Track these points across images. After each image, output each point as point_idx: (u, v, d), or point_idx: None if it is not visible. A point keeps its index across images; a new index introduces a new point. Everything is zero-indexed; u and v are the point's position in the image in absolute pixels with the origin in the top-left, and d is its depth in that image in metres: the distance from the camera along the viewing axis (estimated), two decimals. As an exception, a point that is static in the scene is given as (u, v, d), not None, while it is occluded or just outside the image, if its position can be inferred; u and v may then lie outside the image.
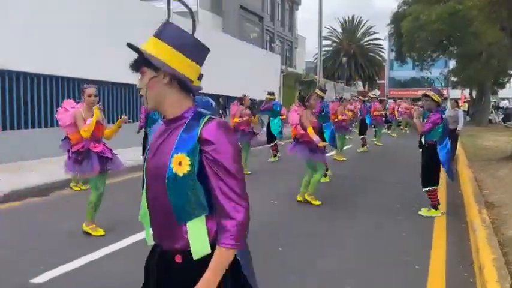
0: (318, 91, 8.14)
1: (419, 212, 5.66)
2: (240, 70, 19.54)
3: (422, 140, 5.59)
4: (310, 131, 5.90)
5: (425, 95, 5.59)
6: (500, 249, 3.97)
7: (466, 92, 30.16)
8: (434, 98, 5.44)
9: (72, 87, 10.96)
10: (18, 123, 9.71)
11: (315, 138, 5.84)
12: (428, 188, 5.55)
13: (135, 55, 1.58)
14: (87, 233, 4.64)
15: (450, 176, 5.96)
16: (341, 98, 13.53)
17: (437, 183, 5.62)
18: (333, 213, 5.86)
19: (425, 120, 5.56)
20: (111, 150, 4.86)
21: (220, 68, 17.73)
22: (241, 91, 19.48)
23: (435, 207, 5.61)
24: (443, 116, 5.50)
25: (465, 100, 37.19)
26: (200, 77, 2.68)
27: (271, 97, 11.03)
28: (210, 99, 2.40)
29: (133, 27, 12.97)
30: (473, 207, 5.40)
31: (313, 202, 6.12)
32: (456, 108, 10.80)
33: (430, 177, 5.53)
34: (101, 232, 4.65)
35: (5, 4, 9.06)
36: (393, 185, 7.90)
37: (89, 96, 4.70)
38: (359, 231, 5.05)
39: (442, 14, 19.16)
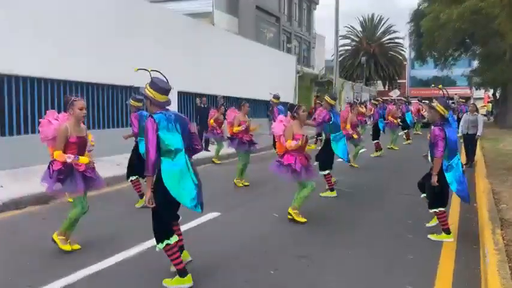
0: (327, 98, 7.67)
1: (429, 236, 5.08)
2: (254, 72, 19.28)
3: (428, 156, 5.08)
4: (288, 144, 5.51)
5: (430, 106, 5.14)
6: (513, 279, 3.59)
7: (490, 92, 29.14)
8: (439, 109, 4.93)
9: (80, 90, 10.91)
10: (25, 127, 9.69)
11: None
12: (434, 210, 5.04)
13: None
14: (55, 242, 4.46)
15: (465, 200, 5.23)
16: (355, 101, 12.89)
17: (445, 205, 5.03)
18: (337, 228, 5.52)
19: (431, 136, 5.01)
20: (93, 169, 4.66)
21: (235, 70, 17.56)
22: (256, 93, 19.46)
23: (446, 231, 5.01)
24: (445, 132, 4.80)
25: (489, 100, 36.09)
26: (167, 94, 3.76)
27: (276, 101, 10.61)
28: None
29: (142, 29, 12.96)
30: (487, 226, 4.99)
31: (297, 218, 5.61)
32: (475, 113, 10.28)
33: (437, 197, 4.97)
34: (67, 248, 4.45)
35: (13, 6, 9.03)
36: (406, 196, 7.47)
37: (81, 109, 4.41)
38: (362, 251, 4.70)
39: (464, 12, 18.44)
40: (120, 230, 5.40)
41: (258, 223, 5.73)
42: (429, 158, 5.01)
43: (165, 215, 3.66)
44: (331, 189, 7.20)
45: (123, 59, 11.74)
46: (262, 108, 20.95)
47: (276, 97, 10.58)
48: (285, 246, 4.80)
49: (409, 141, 16.13)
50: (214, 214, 6.02)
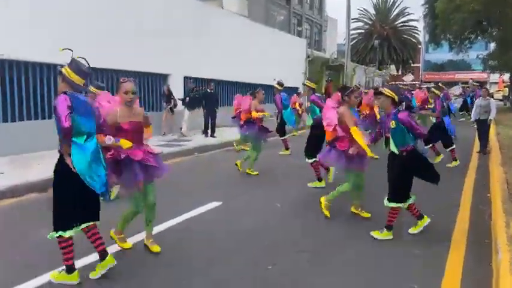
0: (307, 82, 7.07)
1: (371, 233, 4.62)
2: (263, 56, 18.88)
3: (394, 148, 4.49)
4: (355, 132, 4.96)
5: (376, 93, 4.80)
6: (527, 278, 3.33)
7: (505, 76, 28.27)
8: (387, 93, 4.45)
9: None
10: (28, 114, 9.60)
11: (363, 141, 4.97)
12: (393, 205, 4.53)
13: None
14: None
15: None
16: (357, 86, 12.06)
17: (404, 200, 4.54)
18: (340, 221, 5.29)
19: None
20: (154, 154, 4.08)
21: (243, 54, 17.22)
22: (265, 78, 19.10)
23: (389, 227, 4.56)
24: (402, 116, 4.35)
25: (505, 85, 35.06)
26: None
27: (280, 87, 10.10)
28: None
29: (149, 11, 12.70)
30: (500, 218, 4.71)
31: (324, 210, 5.28)
32: (488, 97, 9.87)
33: (399, 190, 4.52)
34: (127, 245, 4.25)
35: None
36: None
37: (126, 93, 3.85)
38: (364, 246, 4.48)
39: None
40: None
41: (260, 214, 5.52)
42: (392, 147, 4.52)
43: (67, 204, 3.37)
44: (319, 179, 6.84)
45: (130, 43, 11.53)
46: (270, 94, 20.61)
47: (280, 84, 10.06)
48: (284, 240, 4.58)
49: None
50: (216, 203, 5.85)
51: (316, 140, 6.67)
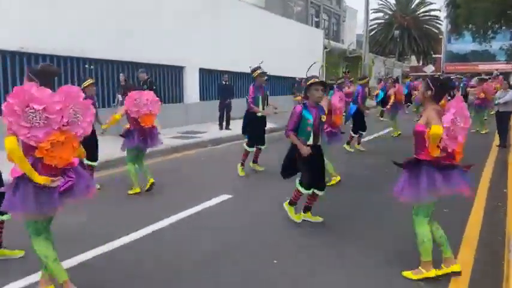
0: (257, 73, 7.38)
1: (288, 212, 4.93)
2: (280, 47, 18.72)
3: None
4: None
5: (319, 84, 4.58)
6: (538, 279, 3.24)
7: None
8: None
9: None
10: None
11: None
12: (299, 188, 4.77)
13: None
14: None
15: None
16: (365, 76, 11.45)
17: (310, 188, 4.69)
18: (343, 216, 5.25)
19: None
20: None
21: (260, 46, 17.09)
22: (282, 69, 18.98)
23: (293, 203, 4.90)
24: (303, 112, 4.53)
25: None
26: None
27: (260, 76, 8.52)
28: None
29: (163, 2, 12.72)
30: (515, 216, 4.59)
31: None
32: (508, 89, 9.58)
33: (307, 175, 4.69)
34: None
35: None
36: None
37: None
38: (365, 242, 4.42)
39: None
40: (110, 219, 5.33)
41: (267, 208, 5.51)
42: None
43: None
44: None
45: (145, 35, 11.60)
46: (287, 85, 20.51)
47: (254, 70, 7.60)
48: (289, 236, 4.56)
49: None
50: (227, 196, 5.87)
51: None
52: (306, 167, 4.63)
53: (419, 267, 3.52)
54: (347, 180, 6.74)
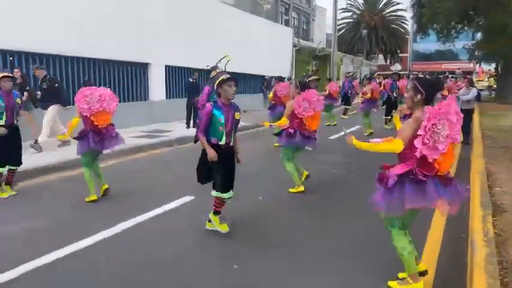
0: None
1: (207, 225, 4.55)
2: (249, 45, 18.56)
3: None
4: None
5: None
6: (501, 277, 3.22)
7: (487, 66, 28.29)
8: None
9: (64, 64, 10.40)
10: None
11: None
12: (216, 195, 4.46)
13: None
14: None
15: None
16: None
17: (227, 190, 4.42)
18: (321, 220, 5.14)
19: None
20: None
21: (229, 43, 16.84)
22: (251, 67, 18.83)
23: (218, 213, 4.52)
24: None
25: (490, 75, 35.21)
26: None
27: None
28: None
29: (150, 6, 12.38)
30: (477, 213, 4.60)
31: None
32: (470, 88, 9.78)
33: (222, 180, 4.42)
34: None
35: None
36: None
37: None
38: (342, 241, 4.33)
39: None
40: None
41: (228, 210, 5.34)
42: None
43: None
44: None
45: (109, 31, 11.18)
46: (257, 83, 20.39)
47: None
48: (257, 236, 4.42)
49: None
50: (188, 198, 5.65)
51: None
52: (217, 169, 4.36)
53: (407, 278, 3.30)
54: (326, 180, 6.66)
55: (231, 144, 4.43)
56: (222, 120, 4.26)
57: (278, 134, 6.04)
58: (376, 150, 3.04)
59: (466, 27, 25.81)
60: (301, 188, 5.96)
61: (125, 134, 10.30)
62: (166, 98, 14.06)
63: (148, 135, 10.80)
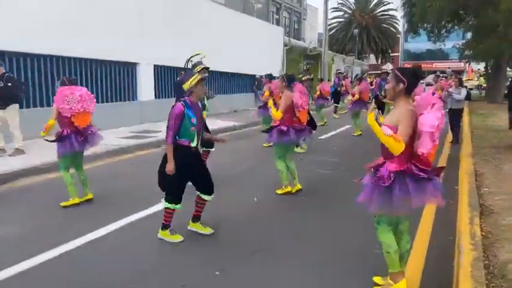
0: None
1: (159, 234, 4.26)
2: (239, 44, 18.43)
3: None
4: None
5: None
6: (487, 281, 3.14)
7: (476, 66, 28.41)
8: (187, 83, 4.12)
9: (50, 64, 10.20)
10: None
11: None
12: (166, 206, 4.20)
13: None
14: None
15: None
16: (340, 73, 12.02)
17: (178, 201, 4.18)
18: (299, 222, 5.05)
19: None
20: None
21: (219, 43, 16.73)
22: (241, 67, 18.70)
23: (166, 226, 4.25)
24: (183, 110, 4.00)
25: (480, 74, 35.42)
26: None
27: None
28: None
29: (139, 5, 12.18)
30: (465, 214, 4.53)
31: None
32: (460, 87, 9.75)
33: (170, 189, 4.20)
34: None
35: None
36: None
37: None
38: (325, 247, 4.24)
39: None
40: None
41: (207, 216, 5.22)
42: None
43: None
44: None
45: (96, 30, 11.00)
46: (247, 83, 20.26)
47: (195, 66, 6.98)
48: (241, 238, 4.31)
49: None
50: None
51: None
52: (195, 172, 4.17)
53: (388, 279, 3.22)
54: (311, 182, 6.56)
55: (199, 145, 4.26)
56: (194, 121, 4.05)
57: (267, 131, 5.90)
58: (380, 138, 2.89)
59: (456, 27, 25.91)
60: (289, 189, 5.85)
61: (112, 134, 10.33)
62: (155, 97, 13.89)
63: (137, 136, 10.64)
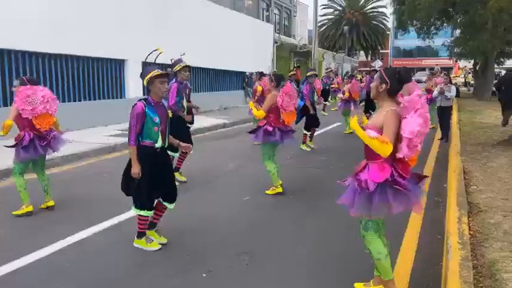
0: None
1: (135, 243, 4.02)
2: (228, 41, 18.31)
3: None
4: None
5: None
6: (475, 281, 3.12)
7: (462, 63, 28.58)
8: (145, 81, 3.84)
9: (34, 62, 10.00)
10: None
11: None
12: (137, 212, 3.94)
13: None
14: None
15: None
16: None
17: (149, 208, 3.92)
18: (284, 223, 5.00)
19: None
20: None
21: (207, 39, 16.61)
22: (231, 64, 18.58)
23: (141, 234, 4.01)
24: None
25: (468, 71, 35.69)
26: None
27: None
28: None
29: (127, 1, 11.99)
30: (453, 213, 4.52)
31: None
32: (449, 85, 9.77)
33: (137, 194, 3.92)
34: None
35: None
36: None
37: None
38: (311, 250, 4.19)
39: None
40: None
41: (208, 211, 5.16)
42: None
43: None
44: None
45: (83, 26, 10.81)
46: (237, 80, 20.16)
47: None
48: (228, 240, 4.25)
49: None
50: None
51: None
52: (158, 178, 3.86)
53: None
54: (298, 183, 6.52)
55: (166, 145, 3.95)
56: (157, 120, 3.78)
57: (253, 132, 5.83)
58: (365, 141, 2.85)
59: (445, 24, 26.04)
60: (280, 189, 5.77)
61: (100, 132, 10.17)
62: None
63: (123, 134, 10.49)
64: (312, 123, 9.13)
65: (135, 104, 3.78)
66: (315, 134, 9.56)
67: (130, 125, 3.76)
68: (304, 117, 9.08)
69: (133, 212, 4.02)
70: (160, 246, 4.01)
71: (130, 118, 3.75)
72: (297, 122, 7.88)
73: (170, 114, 4.02)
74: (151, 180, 3.84)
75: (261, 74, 11.60)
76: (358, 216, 3.09)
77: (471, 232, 4.07)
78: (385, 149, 2.78)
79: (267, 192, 5.78)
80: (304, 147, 9.06)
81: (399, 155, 2.85)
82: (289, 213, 5.09)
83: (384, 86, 2.95)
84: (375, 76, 3.09)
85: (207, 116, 14.12)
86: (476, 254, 3.63)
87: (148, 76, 3.77)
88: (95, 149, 8.54)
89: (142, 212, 3.91)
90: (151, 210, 3.97)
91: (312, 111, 8.90)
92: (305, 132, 9.12)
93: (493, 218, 4.44)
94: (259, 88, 10.38)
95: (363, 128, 2.86)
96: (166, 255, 3.88)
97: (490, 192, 5.38)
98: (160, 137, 3.83)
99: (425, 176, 3.14)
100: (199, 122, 12.25)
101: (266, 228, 4.59)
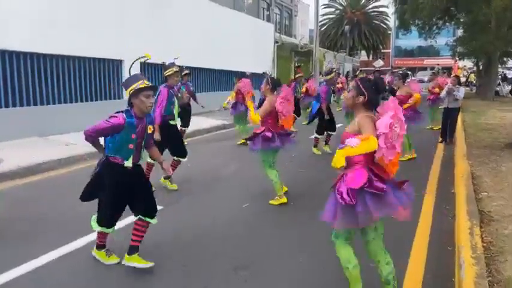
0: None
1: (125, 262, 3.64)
2: (228, 41, 18.06)
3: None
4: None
5: None
6: (492, 302, 2.88)
7: (462, 62, 28.28)
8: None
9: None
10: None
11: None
12: (98, 229, 3.70)
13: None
14: None
15: None
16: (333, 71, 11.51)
17: (110, 225, 3.64)
18: (283, 235, 4.75)
19: None
20: None
21: (206, 39, 16.37)
22: (231, 64, 18.33)
23: (100, 247, 3.80)
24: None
25: (471, 71, 35.41)
26: None
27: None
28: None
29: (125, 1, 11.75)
30: (464, 223, 4.27)
31: None
32: (458, 86, 9.44)
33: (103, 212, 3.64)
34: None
35: None
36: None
37: None
38: (312, 262, 3.95)
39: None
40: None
41: (204, 219, 4.92)
42: None
43: None
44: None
45: (79, 26, 10.57)
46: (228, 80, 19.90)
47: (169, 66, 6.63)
48: (226, 252, 4.00)
49: None
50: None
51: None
52: (110, 199, 3.51)
53: None
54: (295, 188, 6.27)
55: (138, 163, 3.59)
56: (134, 137, 3.41)
57: (250, 139, 5.53)
58: (358, 152, 2.62)
59: (447, 23, 25.80)
60: (284, 200, 5.42)
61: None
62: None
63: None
64: (327, 126, 8.78)
65: (117, 113, 3.37)
66: (313, 137, 9.28)
67: (99, 124, 3.33)
68: (317, 120, 8.83)
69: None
70: (118, 260, 3.71)
71: (104, 121, 3.33)
72: (308, 123, 7.69)
73: (150, 130, 3.64)
74: (118, 198, 3.51)
75: (241, 75, 10.84)
76: (340, 228, 2.87)
77: (484, 244, 3.82)
78: (370, 144, 2.59)
79: (271, 202, 5.47)
80: (316, 150, 8.79)
81: (378, 155, 2.70)
82: (290, 220, 4.85)
83: (361, 98, 2.86)
84: (351, 85, 3.00)
85: (207, 116, 13.88)
86: (491, 269, 3.38)
87: (132, 88, 3.40)
88: (90, 152, 8.29)
89: (100, 229, 3.65)
90: (110, 228, 3.66)
91: (326, 116, 8.60)
92: (316, 136, 8.84)
93: (507, 229, 4.19)
94: (232, 94, 10.07)
95: (343, 141, 2.72)
96: (159, 271, 3.63)
97: (501, 200, 5.12)
98: (132, 155, 3.45)
99: (406, 180, 2.92)
100: (199, 123, 12.03)
101: (266, 238, 4.34)
